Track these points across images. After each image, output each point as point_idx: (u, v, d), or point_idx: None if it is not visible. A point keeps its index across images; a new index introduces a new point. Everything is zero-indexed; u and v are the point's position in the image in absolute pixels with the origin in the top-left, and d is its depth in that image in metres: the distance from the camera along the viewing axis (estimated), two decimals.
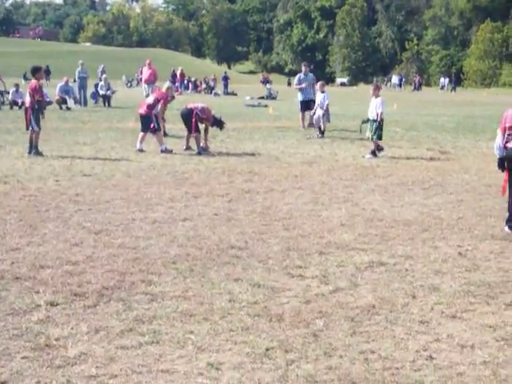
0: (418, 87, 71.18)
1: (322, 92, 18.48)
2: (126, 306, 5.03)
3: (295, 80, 21.87)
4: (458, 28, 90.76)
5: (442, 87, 73.58)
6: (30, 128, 13.24)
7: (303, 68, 21.58)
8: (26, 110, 13.59)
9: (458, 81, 75.73)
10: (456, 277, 5.90)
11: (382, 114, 13.87)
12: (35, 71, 13.91)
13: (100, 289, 5.37)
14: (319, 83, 19.24)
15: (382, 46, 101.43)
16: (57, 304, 5.01)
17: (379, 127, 13.95)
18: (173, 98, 16.75)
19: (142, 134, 14.24)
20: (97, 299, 5.14)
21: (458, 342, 4.47)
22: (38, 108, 13.44)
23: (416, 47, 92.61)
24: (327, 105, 18.15)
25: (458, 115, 29.23)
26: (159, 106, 14.20)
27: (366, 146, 16.19)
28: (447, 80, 74.69)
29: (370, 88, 14.77)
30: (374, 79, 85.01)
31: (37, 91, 13.45)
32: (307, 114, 20.10)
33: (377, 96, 14.06)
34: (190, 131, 14.41)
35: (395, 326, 4.73)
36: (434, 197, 9.75)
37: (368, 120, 14.20)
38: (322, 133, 18.02)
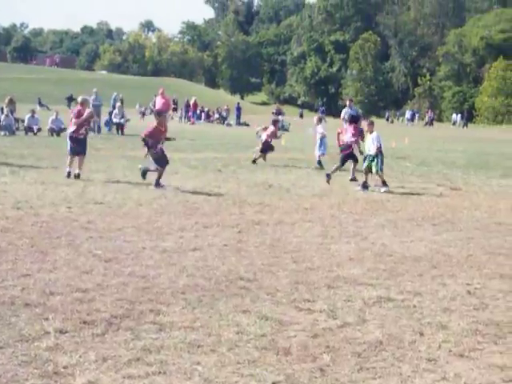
0: (430, 123, 71.39)
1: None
2: (135, 335, 5.05)
3: (342, 113, 24.07)
4: (470, 65, 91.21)
5: (454, 123, 73.86)
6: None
7: (348, 102, 23.97)
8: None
9: (469, 117, 75.96)
10: (464, 315, 5.89)
11: (381, 147, 14.30)
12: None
13: (109, 317, 5.40)
14: (315, 117, 20.31)
15: (395, 80, 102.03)
16: (66, 331, 5.04)
17: (382, 161, 14.29)
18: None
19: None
20: (105, 327, 5.17)
21: (465, 381, 4.46)
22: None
23: (429, 83, 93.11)
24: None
25: (469, 151, 29.27)
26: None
27: (376, 179, 16.25)
28: (459, 116, 74.98)
29: (365, 124, 15.23)
30: (386, 113, 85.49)
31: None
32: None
33: (371, 132, 14.49)
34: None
35: (402, 363, 4.72)
36: (444, 233, 9.76)
37: (366, 157, 14.55)
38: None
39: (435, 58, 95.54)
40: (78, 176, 13.73)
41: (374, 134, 14.31)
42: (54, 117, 27.36)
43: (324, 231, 9.52)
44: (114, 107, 33.20)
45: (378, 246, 8.63)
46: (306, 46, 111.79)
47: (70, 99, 54.88)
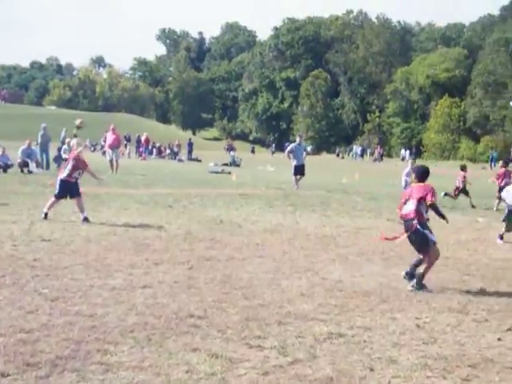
0: (379, 158, 72.78)
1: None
2: (80, 376, 4.91)
3: (289, 148, 25.52)
4: (417, 102, 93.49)
5: (403, 158, 75.41)
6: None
7: (298, 138, 26.03)
8: None
9: (418, 153, 77.80)
10: (414, 349, 5.92)
11: None
12: None
13: (54, 358, 5.24)
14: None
15: (345, 117, 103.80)
16: (8, 375, 4.86)
17: None
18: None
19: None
20: (50, 369, 5.01)
21: None
22: None
23: (377, 119, 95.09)
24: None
25: None
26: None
27: (327, 215, 16.37)
28: (408, 152, 76.71)
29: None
30: (337, 149, 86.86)
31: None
32: (298, 177, 24.39)
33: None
34: None
35: None
36: (394, 268, 9.85)
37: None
38: None
39: (384, 95, 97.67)
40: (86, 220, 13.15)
41: None
42: (0, 152, 26.84)
43: (275, 267, 9.50)
44: (63, 143, 32.77)
45: (328, 281, 8.65)
46: (257, 82, 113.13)
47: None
